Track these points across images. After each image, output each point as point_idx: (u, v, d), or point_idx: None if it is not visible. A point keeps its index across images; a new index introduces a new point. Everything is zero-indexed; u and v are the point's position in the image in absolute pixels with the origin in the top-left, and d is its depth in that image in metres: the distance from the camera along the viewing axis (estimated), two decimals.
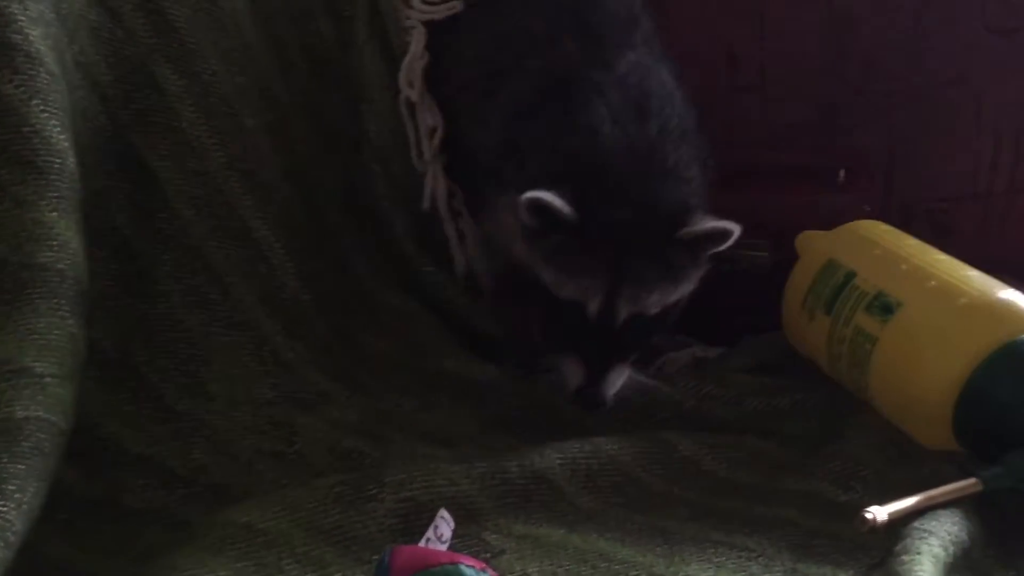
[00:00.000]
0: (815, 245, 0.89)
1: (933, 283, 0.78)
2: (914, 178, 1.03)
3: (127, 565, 0.69)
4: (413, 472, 0.72)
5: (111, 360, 0.79)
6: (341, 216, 0.97)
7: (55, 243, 0.71)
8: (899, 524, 0.64)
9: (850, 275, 0.83)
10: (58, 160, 0.72)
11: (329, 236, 0.95)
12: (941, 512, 0.66)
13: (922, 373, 0.75)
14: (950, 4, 1.02)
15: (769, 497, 0.75)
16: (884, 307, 0.79)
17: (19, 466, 0.64)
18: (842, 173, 1.03)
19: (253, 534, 0.66)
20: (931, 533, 0.64)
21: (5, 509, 0.61)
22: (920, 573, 0.60)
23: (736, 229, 0.80)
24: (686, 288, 0.84)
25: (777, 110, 1.04)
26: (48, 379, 0.69)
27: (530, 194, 0.77)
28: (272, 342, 0.87)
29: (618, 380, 0.83)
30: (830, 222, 0.92)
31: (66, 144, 0.73)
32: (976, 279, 0.78)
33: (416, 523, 0.68)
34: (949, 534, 0.64)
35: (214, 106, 0.87)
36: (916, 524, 0.64)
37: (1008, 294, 0.76)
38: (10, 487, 0.62)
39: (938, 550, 0.62)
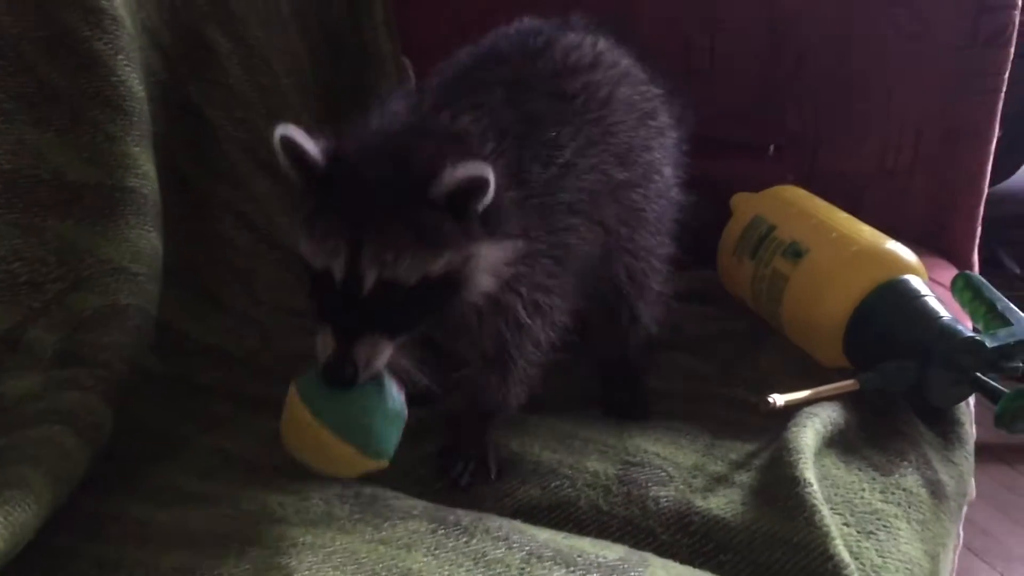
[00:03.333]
0: (745, 204, 1.06)
1: (834, 235, 0.95)
2: (833, 155, 1.19)
3: (202, 430, 0.83)
4: None
5: (179, 268, 0.93)
6: None
7: (139, 171, 0.86)
8: (793, 410, 0.82)
9: (771, 228, 1.00)
10: (138, 105, 0.87)
11: None
12: (826, 403, 0.83)
13: (821, 305, 0.91)
14: (871, 10, 1.17)
15: (697, 398, 0.92)
16: (795, 253, 0.96)
17: (126, 340, 0.80)
18: (771, 148, 1.20)
19: None
20: (816, 415, 0.81)
21: (110, 373, 0.77)
22: (804, 439, 0.78)
23: (486, 171, 0.69)
24: (454, 257, 0.72)
25: (723, 92, 1.21)
26: (140, 277, 0.84)
27: (281, 128, 0.72)
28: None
29: (373, 354, 0.71)
30: (761, 187, 1.07)
31: (142, 92, 0.88)
32: (867, 232, 0.95)
33: None
34: (830, 418, 0.82)
35: (256, 66, 1.03)
36: (806, 410, 0.82)
37: (891, 245, 0.93)
38: (118, 359, 0.79)
39: (819, 426, 0.80)
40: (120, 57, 0.86)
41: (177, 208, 0.94)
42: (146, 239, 0.86)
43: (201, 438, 0.83)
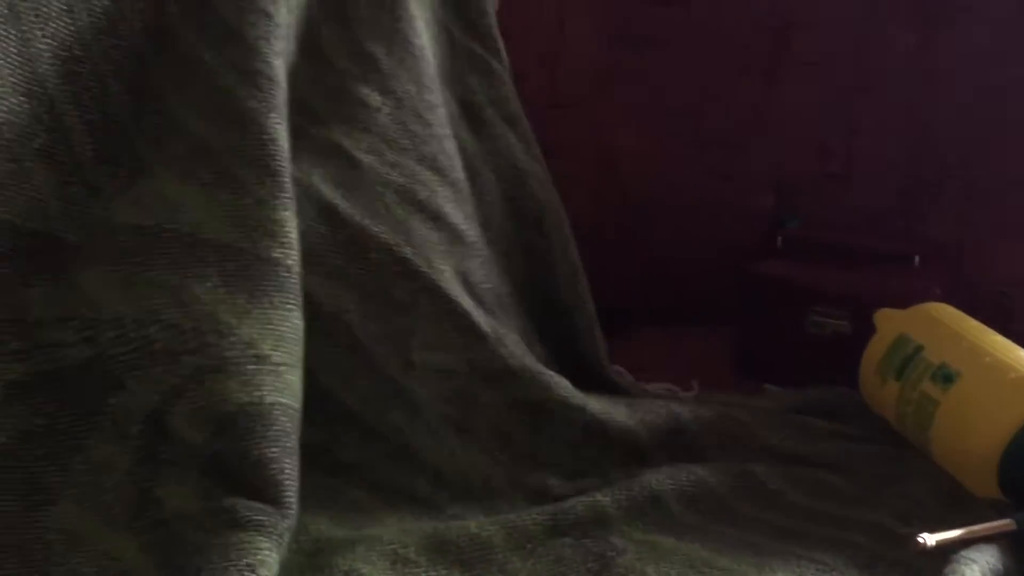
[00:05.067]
0: (891, 321, 1.03)
1: (988, 359, 0.92)
2: (980, 266, 1.17)
3: (332, 519, 0.81)
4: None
5: (328, 315, 0.88)
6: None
7: (285, 240, 0.80)
8: (946, 551, 0.78)
9: (919, 348, 0.96)
10: (288, 165, 0.82)
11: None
12: (982, 545, 0.79)
13: (974, 434, 0.88)
14: (1019, 113, 1.17)
15: (842, 524, 0.88)
16: (946, 377, 0.92)
17: (273, 450, 0.75)
18: (916, 259, 1.17)
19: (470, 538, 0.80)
20: (973, 560, 0.77)
21: (282, 495, 0.73)
22: None
23: None
24: None
25: (859, 196, 1.21)
26: (283, 367, 0.77)
27: None
28: (470, 318, 0.95)
29: None
30: (904, 300, 1.05)
31: (290, 151, 0.84)
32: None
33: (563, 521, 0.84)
34: (988, 563, 0.77)
35: (407, 115, 1.01)
36: (962, 552, 0.78)
37: None
38: (271, 470, 0.74)
39: (978, 574, 0.76)
40: (273, 115, 0.84)
41: (327, 247, 0.90)
42: (288, 321, 0.80)
43: (337, 557, 0.78)
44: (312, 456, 0.82)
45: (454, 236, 0.97)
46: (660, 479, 0.90)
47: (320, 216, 0.91)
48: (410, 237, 0.94)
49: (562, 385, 0.98)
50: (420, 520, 0.85)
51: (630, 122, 1.37)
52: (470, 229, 0.99)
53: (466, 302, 0.95)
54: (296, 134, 0.88)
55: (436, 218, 0.96)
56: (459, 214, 0.99)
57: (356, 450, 0.87)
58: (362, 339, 0.90)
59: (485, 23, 1.16)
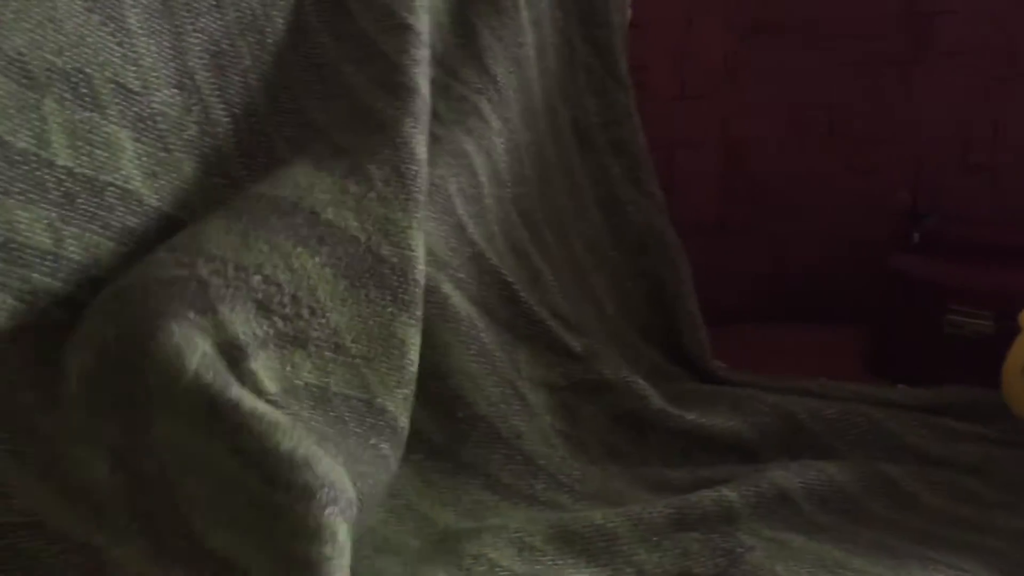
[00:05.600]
0: None
1: None
2: None
3: (457, 513, 0.83)
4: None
5: (463, 319, 0.91)
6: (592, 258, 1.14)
7: (399, 240, 0.80)
8: None
9: None
10: (422, 171, 0.83)
11: (579, 273, 1.11)
12: None
13: None
14: None
15: (981, 529, 0.86)
16: None
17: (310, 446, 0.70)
18: None
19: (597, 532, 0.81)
20: None
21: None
22: None
23: None
24: None
25: (1006, 192, 1.17)
26: (358, 361, 0.77)
27: None
28: (563, 340, 0.99)
29: None
30: None
31: (424, 156, 0.84)
32: None
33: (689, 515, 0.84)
34: None
35: (512, 151, 1.04)
36: None
37: None
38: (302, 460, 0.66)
39: None
40: (408, 121, 0.85)
41: (457, 260, 0.93)
42: (379, 317, 0.79)
43: (465, 542, 0.80)
44: (436, 455, 0.86)
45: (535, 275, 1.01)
46: (788, 476, 0.89)
47: (453, 231, 0.93)
48: (509, 265, 0.99)
49: (658, 395, 0.99)
50: (544, 514, 0.86)
51: (759, 115, 1.35)
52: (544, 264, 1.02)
53: (555, 324, 0.99)
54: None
55: (526, 256, 1.00)
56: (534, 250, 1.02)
57: (479, 451, 0.89)
58: (488, 345, 0.93)
59: (607, 37, 1.17)
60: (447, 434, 0.88)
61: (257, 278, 0.74)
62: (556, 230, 1.10)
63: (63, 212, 0.72)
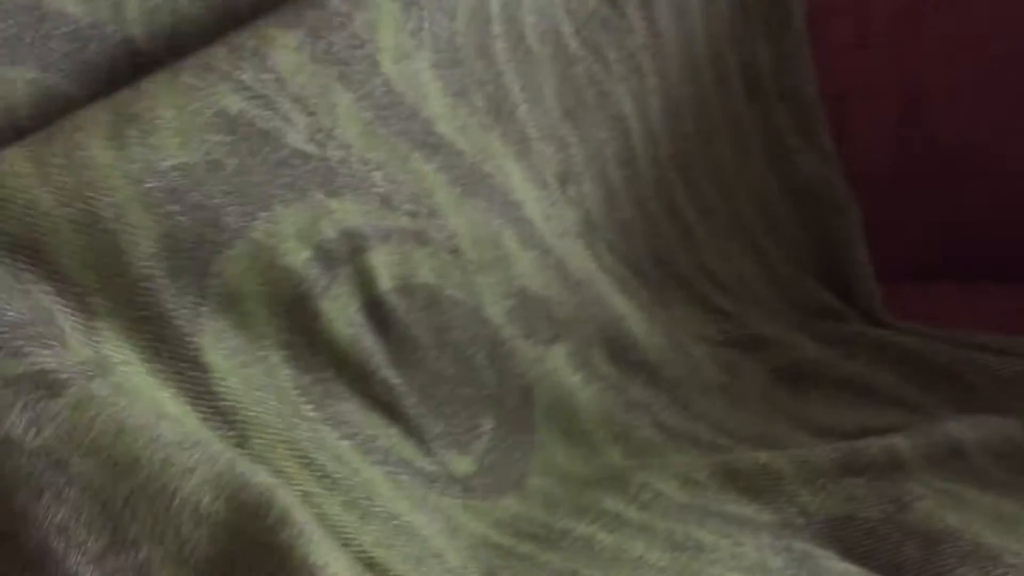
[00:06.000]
0: None
1: None
2: None
3: (624, 452, 0.85)
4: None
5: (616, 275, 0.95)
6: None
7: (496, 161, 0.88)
8: None
9: None
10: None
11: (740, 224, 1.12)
12: None
13: None
14: None
15: None
16: None
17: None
18: None
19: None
20: None
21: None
22: None
23: None
24: None
25: None
26: (471, 267, 0.81)
27: None
28: (713, 297, 1.02)
29: None
30: None
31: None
32: None
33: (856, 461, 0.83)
34: None
35: (670, 108, 1.05)
36: None
37: None
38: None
39: None
40: None
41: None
42: (489, 227, 0.85)
43: (632, 472, 0.84)
44: (603, 393, 0.88)
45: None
46: (962, 429, 0.87)
47: (606, 196, 0.97)
48: (661, 226, 1.01)
49: (820, 345, 0.99)
50: (707, 455, 0.87)
51: (943, 64, 1.30)
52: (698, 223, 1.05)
53: (705, 283, 1.01)
54: None
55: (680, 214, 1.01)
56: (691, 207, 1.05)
57: (647, 392, 0.91)
58: (644, 302, 0.96)
59: None
60: (619, 371, 0.90)
61: (378, 174, 0.77)
62: (717, 183, 1.10)
63: None
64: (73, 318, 0.62)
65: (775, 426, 0.92)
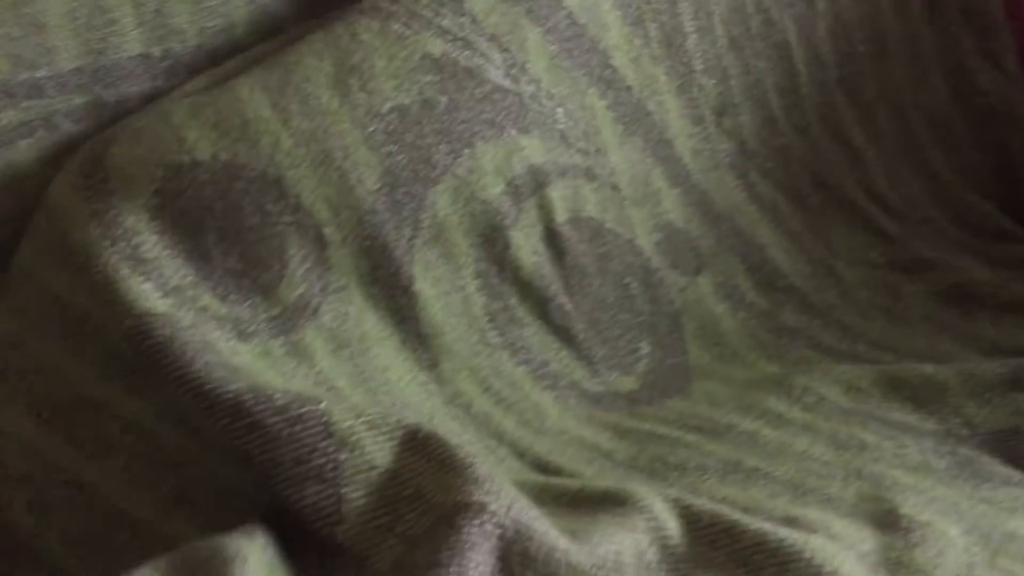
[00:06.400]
0: None
1: None
2: None
3: (781, 367, 0.87)
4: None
5: (766, 201, 0.97)
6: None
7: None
8: None
9: None
10: None
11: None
12: None
13: None
14: None
15: None
16: None
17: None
18: None
19: None
20: None
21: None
22: None
23: None
24: None
25: None
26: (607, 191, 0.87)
27: None
28: (877, 222, 1.02)
29: None
30: None
31: None
32: None
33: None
34: None
35: (839, 31, 1.06)
36: None
37: None
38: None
39: None
40: None
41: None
42: (664, 194, 0.91)
43: (794, 377, 0.86)
44: (759, 316, 0.91)
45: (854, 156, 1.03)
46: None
47: (764, 123, 0.98)
48: (824, 150, 1.02)
49: (988, 268, 0.98)
50: (870, 366, 0.88)
51: None
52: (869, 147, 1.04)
53: (870, 206, 1.00)
54: None
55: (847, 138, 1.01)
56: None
57: (799, 317, 0.93)
58: (795, 228, 0.98)
59: None
60: (768, 300, 0.93)
61: (560, 111, 0.83)
62: (890, 105, 1.09)
63: None
64: (305, 249, 0.72)
65: (941, 345, 0.92)
